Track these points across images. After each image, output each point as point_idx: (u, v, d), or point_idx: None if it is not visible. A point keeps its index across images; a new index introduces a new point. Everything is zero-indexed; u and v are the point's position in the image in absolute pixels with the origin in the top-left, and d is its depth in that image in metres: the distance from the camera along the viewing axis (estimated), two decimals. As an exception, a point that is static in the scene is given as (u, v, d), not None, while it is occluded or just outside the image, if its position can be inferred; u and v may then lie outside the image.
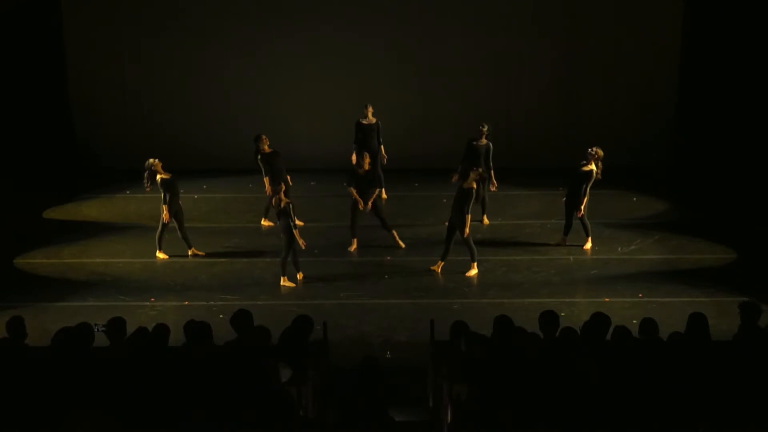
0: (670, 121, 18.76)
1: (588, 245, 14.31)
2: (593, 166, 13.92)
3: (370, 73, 18.60)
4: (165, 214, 13.70)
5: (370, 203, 14.03)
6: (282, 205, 12.77)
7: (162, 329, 8.64)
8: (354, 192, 14.00)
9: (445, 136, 17.89)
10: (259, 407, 7.41)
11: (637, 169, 17.93)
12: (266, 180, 14.99)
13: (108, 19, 18.42)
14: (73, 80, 18.70)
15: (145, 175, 13.69)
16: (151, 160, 13.69)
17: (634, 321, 8.95)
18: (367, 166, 14.09)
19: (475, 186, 13.04)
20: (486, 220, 15.41)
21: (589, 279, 13.34)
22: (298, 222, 13.22)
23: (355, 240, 14.31)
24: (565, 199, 14.38)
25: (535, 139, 18.73)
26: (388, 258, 14.09)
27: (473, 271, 13.38)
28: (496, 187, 15.14)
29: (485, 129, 15.08)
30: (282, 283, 12.99)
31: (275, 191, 13.19)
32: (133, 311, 11.87)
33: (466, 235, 13.10)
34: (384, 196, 16.18)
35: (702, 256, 14.07)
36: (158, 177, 13.66)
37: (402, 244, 14.33)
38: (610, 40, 18.59)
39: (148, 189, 13.84)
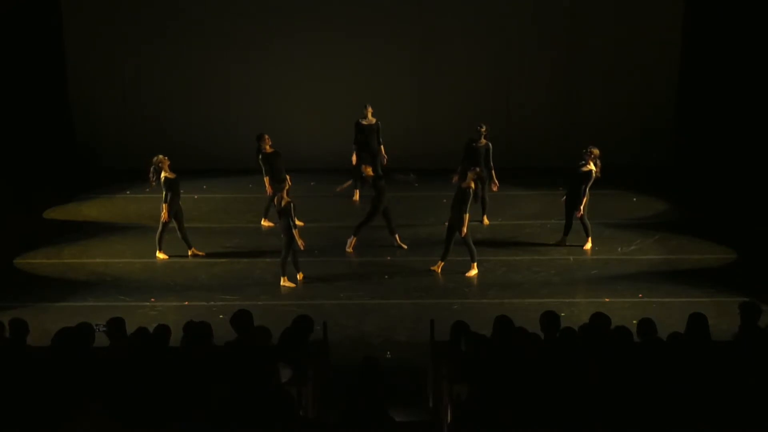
0: (670, 121, 18.76)
1: (588, 245, 14.31)
2: (592, 166, 13.93)
3: (370, 73, 18.60)
4: (164, 213, 13.70)
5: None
6: (283, 204, 12.77)
7: (163, 329, 8.64)
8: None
9: (445, 136, 17.88)
10: (259, 407, 7.41)
11: (637, 169, 17.93)
12: (266, 180, 15.01)
13: (108, 19, 18.42)
14: (73, 80, 18.70)
15: (151, 170, 13.71)
16: (160, 157, 13.71)
17: (634, 321, 8.95)
18: (371, 173, 14.14)
19: (473, 186, 13.04)
20: (486, 221, 15.42)
21: (589, 279, 13.34)
22: (298, 222, 13.22)
23: (355, 239, 14.30)
24: (564, 199, 14.38)
25: (535, 139, 18.73)
26: (389, 258, 14.09)
27: (473, 272, 13.38)
28: (497, 187, 15.13)
29: (483, 129, 15.08)
30: (282, 283, 12.99)
31: (278, 189, 13.16)
32: (133, 311, 11.88)
33: (463, 234, 13.10)
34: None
35: (702, 256, 14.07)
36: (162, 175, 13.67)
37: (404, 246, 14.34)
38: (610, 40, 18.59)
39: (152, 184, 13.88)
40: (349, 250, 14.26)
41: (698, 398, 7.61)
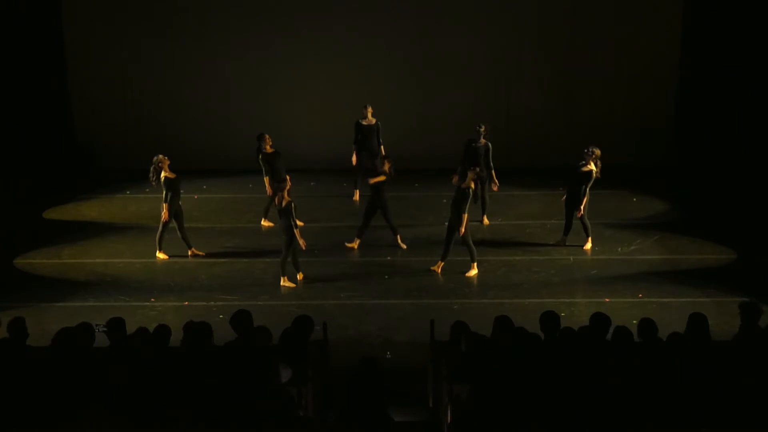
0: (670, 121, 18.76)
1: (588, 245, 14.31)
2: (592, 166, 13.93)
3: (370, 73, 18.60)
4: (164, 213, 13.71)
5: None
6: (283, 204, 12.77)
7: (163, 329, 8.63)
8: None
9: (445, 136, 17.88)
10: (259, 407, 7.41)
11: (637, 169, 17.92)
12: (266, 180, 15.01)
13: (108, 19, 18.43)
14: (73, 81, 18.70)
15: (152, 169, 13.73)
16: (160, 156, 13.73)
17: (634, 321, 8.95)
18: (387, 169, 14.11)
19: (473, 186, 13.04)
20: (486, 221, 15.42)
21: (589, 279, 13.34)
22: (298, 222, 13.21)
23: (359, 241, 14.31)
24: (564, 198, 14.39)
25: (535, 139, 18.73)
26: (389, 258, 14.09)
27: (473, 272, 13.38)
28: (497, 187, 15.13)
29: (482, 129, 15.08)
30: (282, 283, 13.00)
31: (279, 188, 13.15)
32: (133, 311, 11.89)
33: (461, 234, 13.10)
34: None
35: (702, 256, 14.07)
36: (162, 174, 13.67)
37: (404, 246, 14.34)
38: (610, 39, 18.60)
39: (152, 184, 13.93)
40: (348, 245, 14.27)
41: (698, 398, 7.61)
